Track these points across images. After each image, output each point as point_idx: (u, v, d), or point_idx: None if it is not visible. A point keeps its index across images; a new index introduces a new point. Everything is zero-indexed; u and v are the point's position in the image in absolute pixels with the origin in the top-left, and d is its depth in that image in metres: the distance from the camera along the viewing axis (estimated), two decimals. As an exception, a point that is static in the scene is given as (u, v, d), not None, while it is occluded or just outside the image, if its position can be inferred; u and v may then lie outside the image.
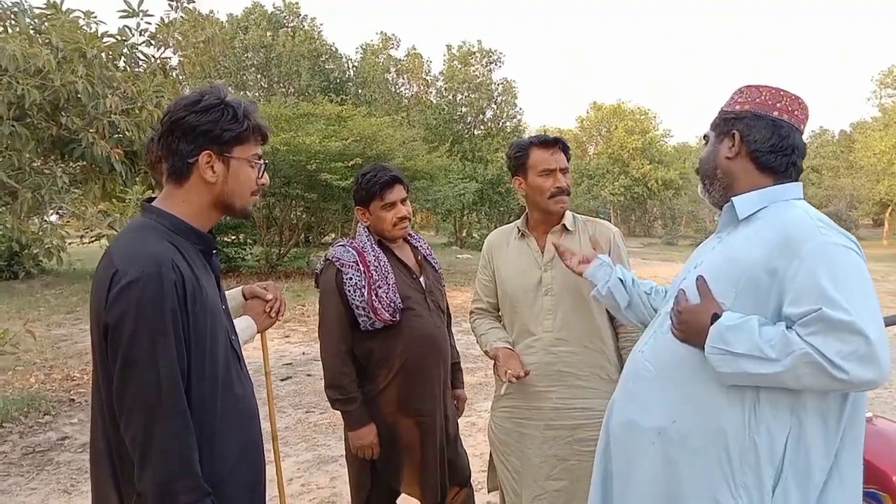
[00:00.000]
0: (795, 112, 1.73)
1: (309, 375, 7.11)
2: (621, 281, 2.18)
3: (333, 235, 20.28)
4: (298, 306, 11.58)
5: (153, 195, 1.68)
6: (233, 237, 18.39)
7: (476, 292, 2.74)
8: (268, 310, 2.31)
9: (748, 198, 1.72)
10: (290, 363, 7.71)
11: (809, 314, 1.50)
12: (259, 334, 2.41)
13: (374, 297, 2.58)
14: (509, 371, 2.31)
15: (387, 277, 2.62)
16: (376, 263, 2.64)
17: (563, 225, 2.53)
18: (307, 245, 18.69)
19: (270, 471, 2.01)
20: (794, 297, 1.54)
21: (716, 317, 1.63)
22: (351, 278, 2.60)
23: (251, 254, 17.81)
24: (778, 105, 1.73)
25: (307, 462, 4.67)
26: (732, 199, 1.73)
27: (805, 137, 1.79)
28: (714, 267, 1.72)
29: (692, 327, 1.67)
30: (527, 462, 2.48)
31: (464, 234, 32.14)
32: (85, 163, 5.19)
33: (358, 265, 2.62)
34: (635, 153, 42.93)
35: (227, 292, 2.48)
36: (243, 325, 2.27)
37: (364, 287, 2.58)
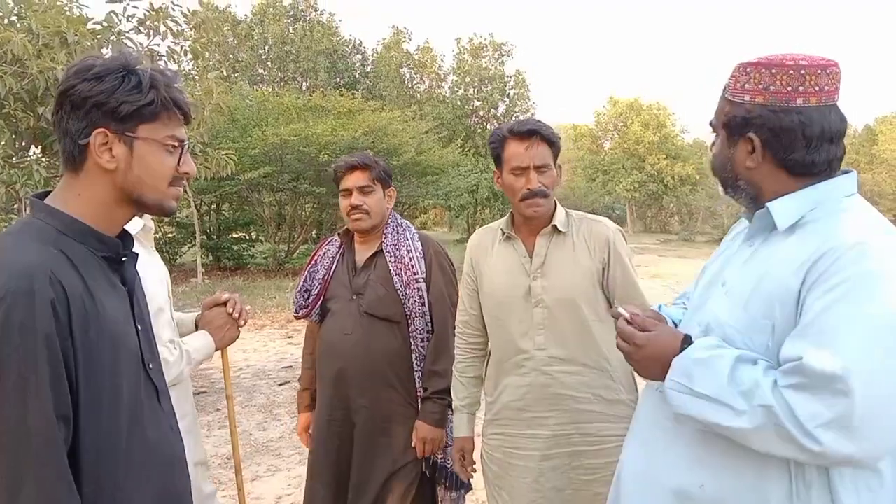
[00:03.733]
0: (825, 88, 1.29)
1: (309, 379, 6.75)
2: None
3: (343, 232, 19.99)
4: (304, 305, 11.26)
5: (50, 188, 1.34)
6: (241, 234, 18.22)
7: (462, 301, 2.37)
8: (230, 310, 2.02)
9: (788, 203, 1.32)
10: (290, 366, 7.38)
11: (793, 360, 1.15)
12: (220, 351, 2.11)
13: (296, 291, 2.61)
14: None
15: (316, 274, 2.56)
16: (321, 255, 2.59)
17: (554, 226, 2.15)
18: (316, 242, 18.41)
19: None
20: (797, 332, 1.18)
21: (687, 342, 1.28)
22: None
23: (259, 252, 17.62)
24: (801, 89, 1.29)
25: (299, 478, 4.33)
26: (768, 204, 1.33)
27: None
28: (743, 290, 1.32)
29: (653, 353, 1.35)
30: (519, 498, 2.15)
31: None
32: (67, 156, 4.89)
33: (313, 257, 2.61)
34: (651, 148, 42.18)
35: (179, 317, 2.11)
36: (198, 343, 1.96)
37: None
